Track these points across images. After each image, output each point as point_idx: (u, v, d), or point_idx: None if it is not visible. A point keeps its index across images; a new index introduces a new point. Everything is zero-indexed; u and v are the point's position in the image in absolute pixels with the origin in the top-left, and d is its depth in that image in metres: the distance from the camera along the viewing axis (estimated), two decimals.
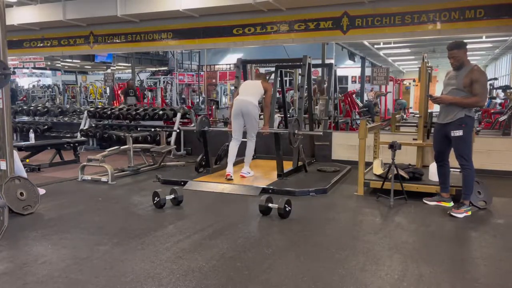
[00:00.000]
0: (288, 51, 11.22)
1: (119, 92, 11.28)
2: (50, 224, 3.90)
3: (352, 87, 16.83)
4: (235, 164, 5.63)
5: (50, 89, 17.24)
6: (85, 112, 9.34)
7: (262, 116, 6.04)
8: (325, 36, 7.24)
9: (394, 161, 4.60)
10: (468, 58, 4.21)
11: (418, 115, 5.78)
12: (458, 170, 4.45)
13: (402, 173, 4.77)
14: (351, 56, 13.86)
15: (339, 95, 9.67)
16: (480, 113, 10.48)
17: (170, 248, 3.27)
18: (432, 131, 5.34)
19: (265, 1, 6.86)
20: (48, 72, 20.23)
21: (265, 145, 7.09)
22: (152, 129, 8.14)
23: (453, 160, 4.37)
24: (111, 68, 14.73)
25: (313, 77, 7.02)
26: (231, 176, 5.45)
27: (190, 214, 4.30)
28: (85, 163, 5.98)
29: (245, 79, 6.55)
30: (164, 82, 14.83)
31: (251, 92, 5.59)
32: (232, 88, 12.05)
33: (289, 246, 3.35)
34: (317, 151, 6.98)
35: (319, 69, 10.51)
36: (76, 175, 5.96)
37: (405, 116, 13.57)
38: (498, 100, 11.95)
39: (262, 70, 11.33)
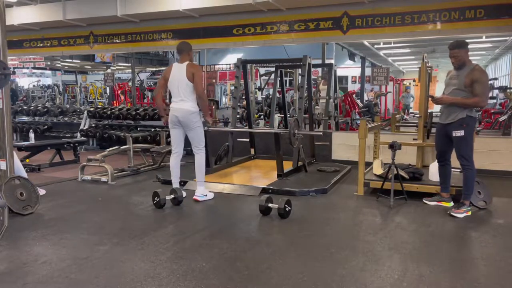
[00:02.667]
0: (288, 51, 11.21)
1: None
2: (50, 224, 3.90)
3: (352, 87, 16.84)
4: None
5: (50, 89, 17.26)
6: (85, 112, 9.35)
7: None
8: (325, 36, 7.24)
9: (394, 161, 4.60)
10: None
11: (418, 115, 5.78)
12: (459, 170, 4.45)
13: (402, 173, 4.77)
14: (351, 56, 13.86)
15: (339, 94, 9.66)
16: (480, 113, 10.49)
17: (170, 248, 3.27)
18: (432, 131, 5.35)
19: (265, 1, 6.86)
20: (48, 72, 20.26)
21: (265, 145, 7.09)
22: (152, 129, 8.13)
23: (453, 160, 4.38)
24: (111, 68, 14.73)
25: (313, 77, 7.02)
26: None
27: (190, 214, 4.30)
28: (85, 163, 5.98)
29: (245, 79, 6.55)
30: None
31: (183, 92, 4.62)
32: (232, 88, 12.02)
33: (289, 246, 3.35)
34: (317, 151, 6.98)
35: (319, 69, 10.52)
36: (76, 175, 5.96)
37: (405, 116, 13.60)
38: (496, 101, 11.96)
39: (262, 70, 11.33)
